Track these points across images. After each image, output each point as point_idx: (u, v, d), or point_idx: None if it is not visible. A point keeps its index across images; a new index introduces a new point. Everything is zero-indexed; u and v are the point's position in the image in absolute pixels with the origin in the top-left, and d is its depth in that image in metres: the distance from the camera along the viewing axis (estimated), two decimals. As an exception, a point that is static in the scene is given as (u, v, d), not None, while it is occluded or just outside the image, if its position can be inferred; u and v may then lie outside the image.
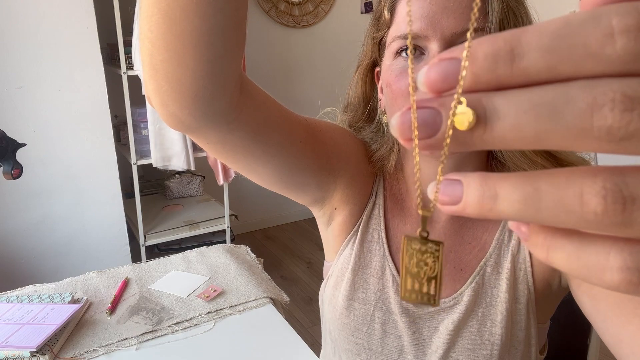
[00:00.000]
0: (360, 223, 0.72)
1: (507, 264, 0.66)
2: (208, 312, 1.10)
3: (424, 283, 0.24)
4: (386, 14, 0.63)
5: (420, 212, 0.23)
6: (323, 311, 0.79)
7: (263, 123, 0.54)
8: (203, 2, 0.40)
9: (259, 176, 0.61)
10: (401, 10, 0.61)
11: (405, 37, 0.59)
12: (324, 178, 0.66)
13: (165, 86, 0.45)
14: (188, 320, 1.07)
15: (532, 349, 0.67)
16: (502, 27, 0.56)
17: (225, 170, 2.52)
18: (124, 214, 2.36)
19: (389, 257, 0.71)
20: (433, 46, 0.56)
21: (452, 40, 0.56)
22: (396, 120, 0.20)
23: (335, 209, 0.72)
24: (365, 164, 0.72)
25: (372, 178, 0.73)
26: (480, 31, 0.55)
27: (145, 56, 0.44)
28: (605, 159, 2.84)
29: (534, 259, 0.65)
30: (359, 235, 0.72)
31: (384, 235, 0.72)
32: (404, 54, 0.60)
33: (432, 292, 0.24)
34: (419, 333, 0.69)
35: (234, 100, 0.49)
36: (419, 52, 0.59)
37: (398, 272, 0.70)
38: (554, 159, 0.62)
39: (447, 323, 0.67)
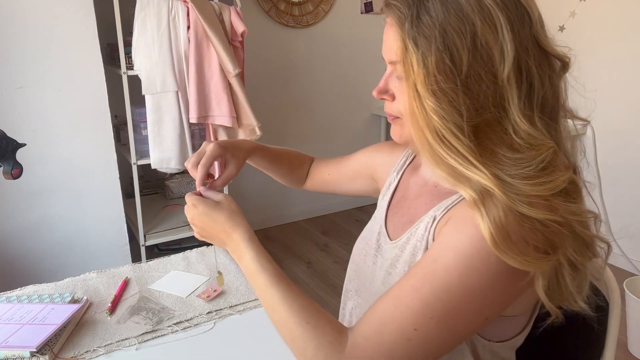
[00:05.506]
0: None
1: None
2: (208, 312, 1.10)
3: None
4: None
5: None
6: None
7: (322, 185, 1.16)
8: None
9: None
10: None
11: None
12: (370, 182, 1.07)
13: None
14: (188, 320, 1.08)
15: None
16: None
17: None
18: (124, 214, 2.36)
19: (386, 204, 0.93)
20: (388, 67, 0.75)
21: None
22: None
23: (380, 186, 1.02)
24: (392, 158, 0.99)
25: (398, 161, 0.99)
26: (399, 63, 0.68)
27: None
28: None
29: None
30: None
31: (393, 187, 0.93)
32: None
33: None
34: (381, 256, 0.87)
35: (302, 182, 1.18)
36: None
37: (386, 214, 0.90)
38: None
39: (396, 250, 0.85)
